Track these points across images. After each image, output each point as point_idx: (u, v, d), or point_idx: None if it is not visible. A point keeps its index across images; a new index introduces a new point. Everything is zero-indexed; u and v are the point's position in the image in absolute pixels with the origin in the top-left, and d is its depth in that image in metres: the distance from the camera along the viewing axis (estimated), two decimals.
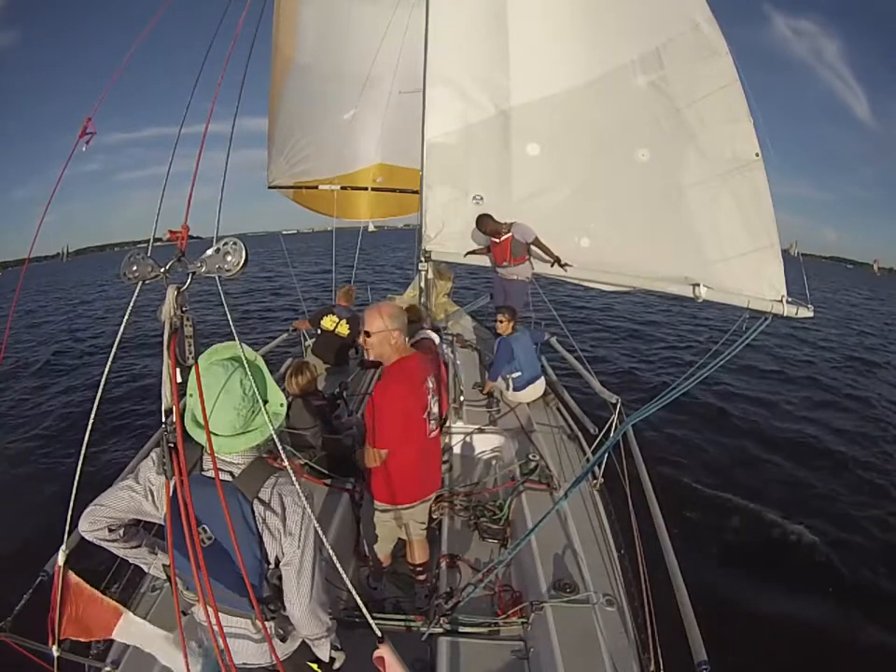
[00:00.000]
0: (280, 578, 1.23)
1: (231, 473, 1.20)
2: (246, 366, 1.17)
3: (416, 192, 4.68)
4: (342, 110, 5.58)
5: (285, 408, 1.25)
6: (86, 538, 1.26)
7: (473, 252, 4.53)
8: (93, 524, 1.23)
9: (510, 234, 4.23)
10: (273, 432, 1.12)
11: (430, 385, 2.18)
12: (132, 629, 1.51)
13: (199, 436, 1.15)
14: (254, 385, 1.17)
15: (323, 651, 1.33)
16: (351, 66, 5.36)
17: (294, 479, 1.16)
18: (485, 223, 4.18)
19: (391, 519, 2.30)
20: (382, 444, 2.04)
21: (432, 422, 2.22)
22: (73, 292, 24.83)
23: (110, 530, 1.26)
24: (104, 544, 1.28)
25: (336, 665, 1.38)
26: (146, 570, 1.42)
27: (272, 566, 1.22)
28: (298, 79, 5.56)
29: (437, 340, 3.46)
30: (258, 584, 1.21)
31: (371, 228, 6.04)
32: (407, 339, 2.14)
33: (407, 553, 2.55)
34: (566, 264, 4.03)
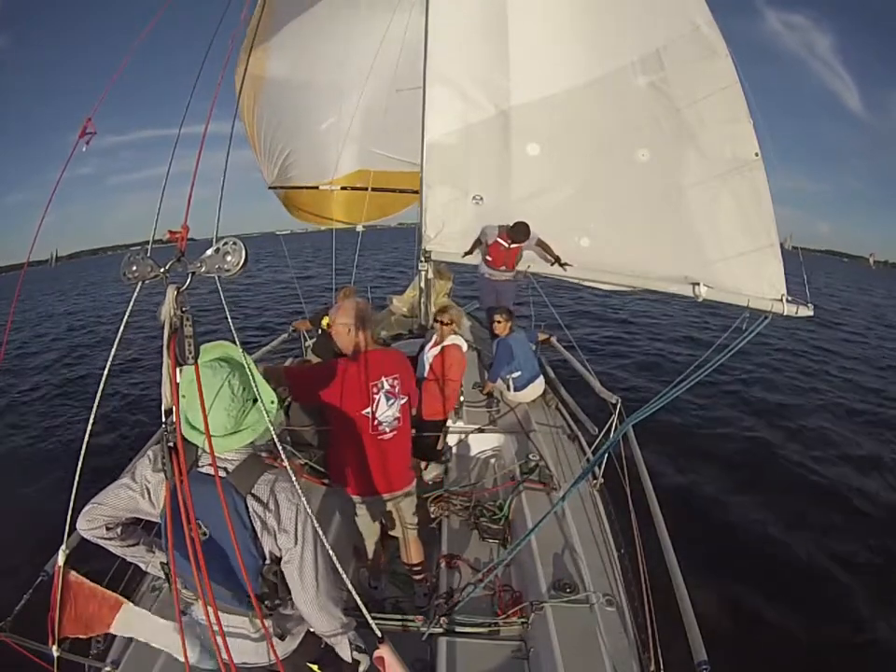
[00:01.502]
0: (276, 574, 1.23)
1: (225, 469, 1.21)
2: (245, 365, 1.18)
3: (415, 192, 4.68)
4: (317, 120, 5.53)
5: (276, 406, 1.25)
6: (84, 536, 1.27)
7: (470, 252, 4.52)
8: (91, 522, 1.24)
9: (520, 244, 4.20)
10: (271, 429, 1.13)
11: (384, 387, 2.17)
12: (132, 620, 1.49)
13: (194, 437, 1.17)
14: (248, 382, 1.18)
15: (344, 650, 1.30)
16: (326, 75, 5.28)
17: (293, 478, 1.17)
18: (521, 230, 4.06)
19: (355, 508, 2.33)
20: (297, 393, 2.33)
21: (382, 423, 2.19)
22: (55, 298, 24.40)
23: (107, 528, 1.26)
24: (101, 542, 1.29)
25: (361, 669, 1.31)
26: (144, 569, 1.43)
27: (267, 561, 1.23)
28: (271, 94, 5.46)
29: (464, 347, 3.46)
30: (253, 580, 1.21)
31: (359, 227, 6.09)
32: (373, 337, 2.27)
33: (402, 553, 2.56)
34: (566, 264, 4.03)
